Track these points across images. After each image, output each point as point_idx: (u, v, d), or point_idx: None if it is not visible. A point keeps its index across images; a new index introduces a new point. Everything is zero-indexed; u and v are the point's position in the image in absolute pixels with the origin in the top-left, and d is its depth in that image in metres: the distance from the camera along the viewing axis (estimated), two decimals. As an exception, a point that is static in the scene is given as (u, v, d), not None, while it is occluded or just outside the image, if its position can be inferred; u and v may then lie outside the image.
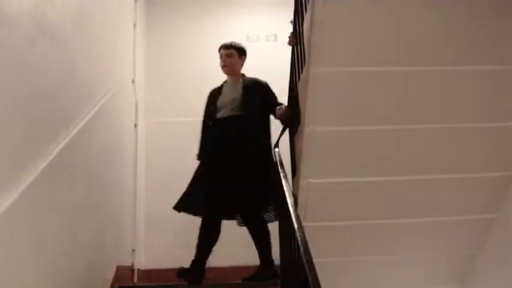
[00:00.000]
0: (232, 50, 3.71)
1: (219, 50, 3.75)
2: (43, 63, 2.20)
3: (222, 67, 3.72)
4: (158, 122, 5.05)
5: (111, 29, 3.73)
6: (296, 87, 2.72)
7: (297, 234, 2.15)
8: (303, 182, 2.67)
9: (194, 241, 3.39)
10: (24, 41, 2.01)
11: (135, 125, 4.47)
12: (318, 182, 2.69)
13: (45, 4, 2.25)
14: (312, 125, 2.46)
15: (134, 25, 4.63)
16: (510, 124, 2.64)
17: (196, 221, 3.42)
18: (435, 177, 2.83)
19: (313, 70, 2.27)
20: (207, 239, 3.38)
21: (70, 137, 2.48)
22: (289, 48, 3.25)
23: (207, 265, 3.39)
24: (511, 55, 2.38)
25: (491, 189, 2.91)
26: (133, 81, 4.51)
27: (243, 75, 3.74)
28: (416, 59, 2.37)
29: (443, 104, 2.54)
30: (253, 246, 3.39)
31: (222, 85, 3.78)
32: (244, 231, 3.43)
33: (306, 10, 2.43)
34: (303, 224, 2.54)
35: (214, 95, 3.70)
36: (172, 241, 4.52)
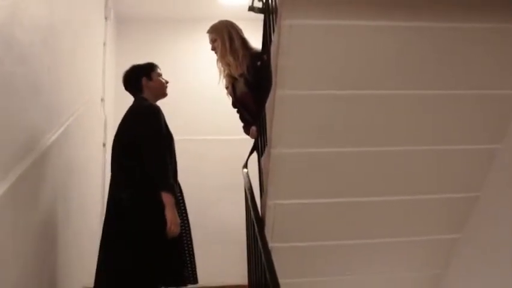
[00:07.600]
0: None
1: None
2: (10, 82, 2.18)
3: None
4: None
5: (80, 48, 3.72)
6: (264, 108, 2.73)
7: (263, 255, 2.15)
8: (270, 202, 2.67)
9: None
10: (-9, 60, 2.00)
11: (104, 144, 4.43)
12: (285, 203, 2.70)
13: (12, 22, 2.24)
14: (278, 147, 2.47)
15: (104, 44, 4.63)
16: (476, 147, 2.70)
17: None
18: (403, 198, 2.85)
19: (280, 93, 2.28)
20: None
21: (36, 157, 2.46)
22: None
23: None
24: (485, 79, 2.43)
25: (455, 210, 2.96)
26: (102, 100, 4.49)
27: None
28: (384, 83, 2.39)
29: (411, 127, 2.57)
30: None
31: None
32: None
33: (273, 32, 2.45)
34: (270, 244, 2.55)
35: None
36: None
